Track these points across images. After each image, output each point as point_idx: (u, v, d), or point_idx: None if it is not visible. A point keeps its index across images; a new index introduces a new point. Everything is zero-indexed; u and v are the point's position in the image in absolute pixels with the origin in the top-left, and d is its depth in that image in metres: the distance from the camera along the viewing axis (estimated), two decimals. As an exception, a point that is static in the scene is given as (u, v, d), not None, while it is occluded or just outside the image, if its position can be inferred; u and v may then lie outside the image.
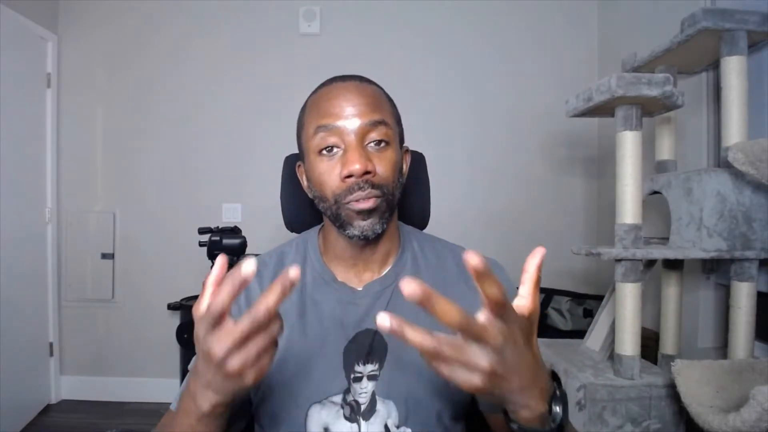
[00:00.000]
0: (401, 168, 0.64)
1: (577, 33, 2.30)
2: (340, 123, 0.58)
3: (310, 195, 0.66)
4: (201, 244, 1.64)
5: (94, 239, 2.33)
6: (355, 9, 2.31)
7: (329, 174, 0.58)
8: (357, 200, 0.57)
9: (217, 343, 0.39)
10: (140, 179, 2.34)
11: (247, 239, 1.66)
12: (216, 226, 1.72)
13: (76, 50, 2.32)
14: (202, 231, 1.69)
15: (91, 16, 2.33)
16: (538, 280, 0.41)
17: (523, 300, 0.41)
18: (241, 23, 2.32)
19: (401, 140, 0.66)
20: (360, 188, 0.57)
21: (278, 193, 0.84)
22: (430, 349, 0.36)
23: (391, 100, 0.65)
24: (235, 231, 1.71)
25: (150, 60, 2.34)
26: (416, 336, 0.36)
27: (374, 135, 0.59)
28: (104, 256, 2.33)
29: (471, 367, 0.37)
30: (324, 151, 0.59)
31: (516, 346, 0.39)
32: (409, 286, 0.34)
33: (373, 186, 0.57)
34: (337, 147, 0.58)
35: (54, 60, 2.27)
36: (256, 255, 0.72)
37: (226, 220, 2.27)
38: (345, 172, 0.57)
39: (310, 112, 0.62)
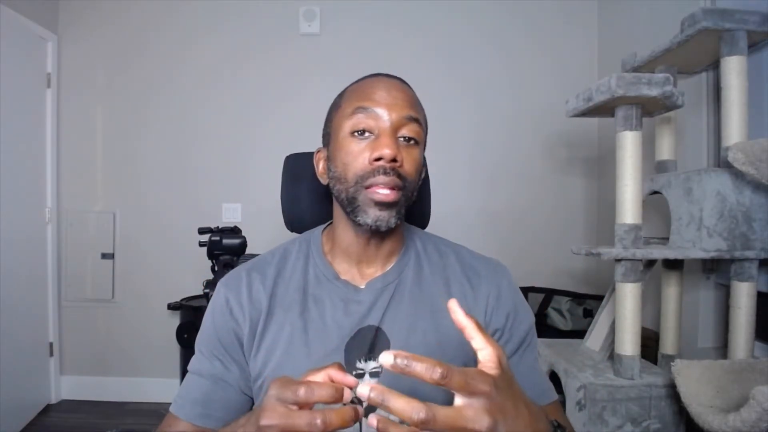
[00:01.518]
0: (421, 172, 0.65)
1: (577, 33, 2.30)
2: (379, 109, 0.59)
3: (324, 180, 0.67)
4: (201, 244, 1.64)
5: (94, 239, 2.33)
6: (355, 9, 2.31)
7: (356, 156, 0.60)
8: (379, 186, 0.58)
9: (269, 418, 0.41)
10: (140, 179, 2.34)
11: (247, 239, 1.66)
12: (216, 226, 1.72)
13: (76, 50, 2.32)
14: (202, 231, 1.69)
15: (91, 16, 2.33)
16: (477, 324, 0.42)
17: (484, 351, 0.41)
18: (241, 23, 2.32)
19: (424, 149, 0.67)
20: (385, 173, 0.58)
21: (278, 193, 0.84)
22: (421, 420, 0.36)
23: (424, 110, 0.67)
24: (235, 231, 1.71)
25: (150, 60, 2.33)
26: (402, 405, 0.36)
27: (406, 131, 0.61)
28: (104, 256, 2.33)
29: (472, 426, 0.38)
30: (356, 134, 0.60)
31: (507, 396, 0.40)
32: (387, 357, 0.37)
33: (398, 176, 0.59)
34: (370, 132, 0.60)
35: (54, 60, 2.26)
36: (257, 255, 0.72)
37: (226, 220, 2.26)
38: (376, 154, 0.58)
39: (351, 95, 0.64)
